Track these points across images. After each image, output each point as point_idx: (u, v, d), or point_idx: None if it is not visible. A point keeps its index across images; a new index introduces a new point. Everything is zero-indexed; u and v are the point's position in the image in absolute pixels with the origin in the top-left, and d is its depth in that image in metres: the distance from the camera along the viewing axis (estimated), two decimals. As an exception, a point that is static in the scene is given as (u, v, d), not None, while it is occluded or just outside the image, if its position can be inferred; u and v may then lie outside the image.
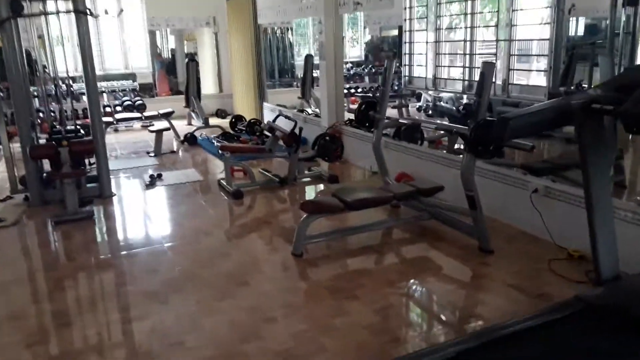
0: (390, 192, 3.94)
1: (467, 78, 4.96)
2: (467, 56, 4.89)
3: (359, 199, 3.77)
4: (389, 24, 13.53)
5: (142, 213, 5.02)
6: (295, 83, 12.94)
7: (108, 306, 3.18)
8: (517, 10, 4.16)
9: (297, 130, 5.57)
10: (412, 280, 3.42)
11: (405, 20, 5.52)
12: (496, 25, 4.32)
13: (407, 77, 6.03)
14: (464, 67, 4.97)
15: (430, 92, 10.54)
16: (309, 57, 10.39)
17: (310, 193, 5.60)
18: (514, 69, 4.36)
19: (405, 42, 5.71)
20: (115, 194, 5.50)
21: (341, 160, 6.33)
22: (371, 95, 11.87)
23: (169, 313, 3.02)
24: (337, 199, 3.78)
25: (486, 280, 3.39)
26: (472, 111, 3.41)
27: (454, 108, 6.47)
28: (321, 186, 5.69)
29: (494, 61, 4.20)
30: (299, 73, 12.93)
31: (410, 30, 5.59)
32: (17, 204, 5.28)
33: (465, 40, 4.83)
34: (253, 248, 4.03)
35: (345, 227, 4.10)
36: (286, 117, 5.94)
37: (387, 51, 14.05)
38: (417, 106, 10.59)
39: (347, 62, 12.62)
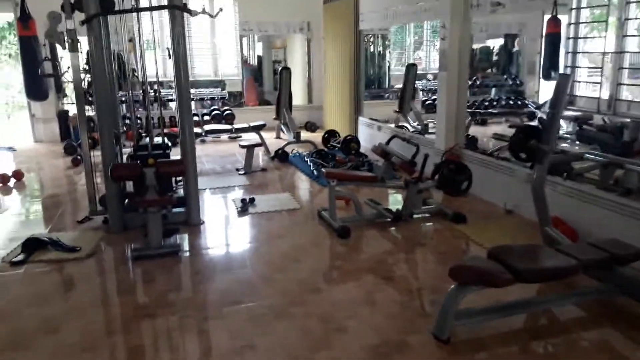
0: (572, 258, 2.84)
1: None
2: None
3: (536, 268, 2.70)
4: (496, 32, 12.23)
5: (234, 252, 4.18)
6: (388, 95, 11.98)
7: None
8: None
9: (419, 157, 4.60)
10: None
11: (569, 25, 4.37)
12: None
13: (568, 97, 4.83)
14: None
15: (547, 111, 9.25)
16: (410, 67, 9.42)
17: (433, 236, 4.57)
18: None
19: (568, 53, 4.55)
20: (203, 222, 4.75)
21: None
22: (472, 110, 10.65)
23: None
24: (501, 265, 2.73)
25: None
26: None
27: (610, 134, 5.19)
28: (442, 225, 4.63)
29: None
30: (395, 84, 11.97)
31: (574, 38, 4.41)
32: (96, 227, 4.68)
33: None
34: (377, 320, 3.04)
35: (505, 303, 3.01)
36: (404, 139, 4.95)
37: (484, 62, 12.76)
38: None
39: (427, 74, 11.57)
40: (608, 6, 4.04)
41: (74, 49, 4.31)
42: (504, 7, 4.80)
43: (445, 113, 5.72)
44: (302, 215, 4.97)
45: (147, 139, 5.04)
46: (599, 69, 4.26)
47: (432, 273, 3.72)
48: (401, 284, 3.52)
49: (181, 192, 4.98)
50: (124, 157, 5.08)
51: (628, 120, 5.02)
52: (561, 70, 9.52)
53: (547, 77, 9.85)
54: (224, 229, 4.69)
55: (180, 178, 5.16)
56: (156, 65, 4.90)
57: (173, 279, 3.64)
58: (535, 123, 9.43)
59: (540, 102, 9.91)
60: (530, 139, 3.53)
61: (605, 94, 4.24)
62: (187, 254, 4.10)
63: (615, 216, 3.78)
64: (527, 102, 10.56)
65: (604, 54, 4.15)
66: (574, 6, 4.35)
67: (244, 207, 5.12)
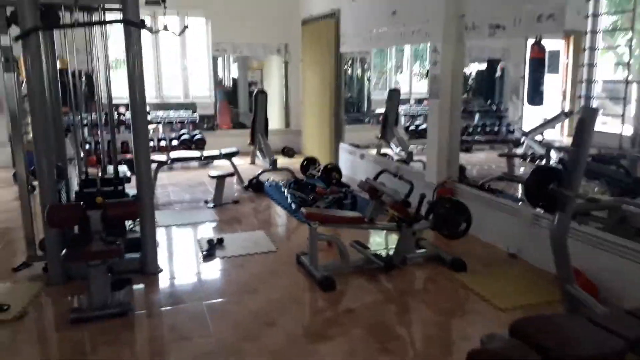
0: (617, 336, 2.26)
1: None
2: None
3: (581, 355, 2.12)
4: (478, 57, 11.94)
5: (196, 311, 3.42)
6: (368, 119, 11.51)
7: None
8: None
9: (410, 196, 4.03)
10: None
11: (584, 50, 3.89)
12: None
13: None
14: None
15: (537, 138, 8.86)
16: (393, 92, 8.98)
17: (430, 288, 3.96)
18: None
19: (581, 82, 4.07)
20: (161, 270, 4.07)
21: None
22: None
23: None
24: (531, 348, 2.14)
25: None
26: None
27: (619, 168, 4.68)
28: (439, 273, 4.04)
29: None
30: (375, 108, 11.51)
31: (589, 65, 3.94)
32: (34, 276, 3.96)
33: None
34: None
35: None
36: (395, 175, 4.38)
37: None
38: (521, 154, 8.87)
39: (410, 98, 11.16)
40: (632, 30, 3.59)
41: (8, 69, 3.65)
42: (504, 29, 4.33)
43: (437, 143, 5.19)
44: (279, 261, 4.33)
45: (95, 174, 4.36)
46: (620, 100, 3.79)
47: (435, 341, 3.12)
48: (400, 356, 2.90)
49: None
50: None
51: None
52: (546, 95, 9.21)
53: (531, 102, 9.53)
54: (186, 279, 4.01)
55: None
56: (108, 84, 4.23)
57: (119, 351, 2.94)
58: (521, 150, 9.06)
59: (526, 128, 9.55)
60: (549, 182, 2.99)
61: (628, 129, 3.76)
62: (141, 312, 3.41)
63: (635, 265, 3.29)
64: (513, 128, 10.20)
65: (627, 82, 3.69)
66: (588, 30, 3.89)
67: (211, 249, 4.46)
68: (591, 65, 3.98)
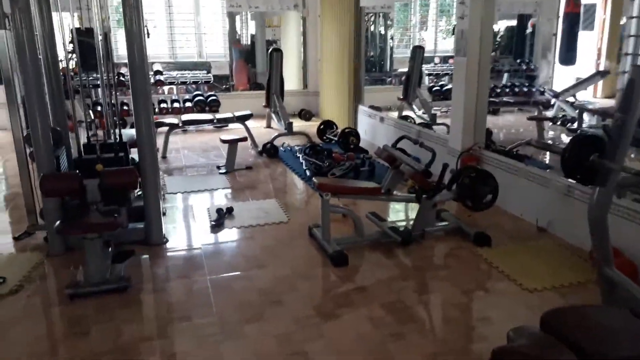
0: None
1: None
2: None
3: (626, 357, 1.84)
4: (508, 12, 11.24)
5: (199, 287, 3.22)
6: (390, 79, 11.04)
7: None
8: None
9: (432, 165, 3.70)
10: None
11: (632, 0, 3.43)
12: None
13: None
14: None
15: (569, 100, 8.32)
16: (417, 50, 8.44)
17: (451, 265, 3.68)
18: None
19: (630, 36, 3.62)
20: (167, 241, 3.88)
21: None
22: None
23: None
24: (564, 346, 1.87)
25: None
26: None
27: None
28: (461, 248, 3.75)
29: None
30: (398, 67, 11.01)
31: (639, 17, 3.49)
32: (36, 246, 3.81)
33: None
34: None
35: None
36: (416, 142, 4.04)
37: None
38: (551, 116, 8.35)
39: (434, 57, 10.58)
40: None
41: (-2, 24, 3.39)
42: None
43: (462, 106, 4.80)
44: (290, 232, 4.09)
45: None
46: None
47: (455, 326, 2.86)
48: (416, 343, 2.64)
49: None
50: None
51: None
52: (579, 53, 8.58)
53: (565, 61, 8.90)
54: (191, 251, 3.80)
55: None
56: (105, 40, 3.94)
57: (113, 331, 2.76)
58: (552, 113, 8.53)
59: (557, 89, 9.00)
60: (590, 153, 2.63)
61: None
62: (141, 287, 3.23)
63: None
64: (543, 89, 9.63)
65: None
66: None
67: (219, 219, 4.24)
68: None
